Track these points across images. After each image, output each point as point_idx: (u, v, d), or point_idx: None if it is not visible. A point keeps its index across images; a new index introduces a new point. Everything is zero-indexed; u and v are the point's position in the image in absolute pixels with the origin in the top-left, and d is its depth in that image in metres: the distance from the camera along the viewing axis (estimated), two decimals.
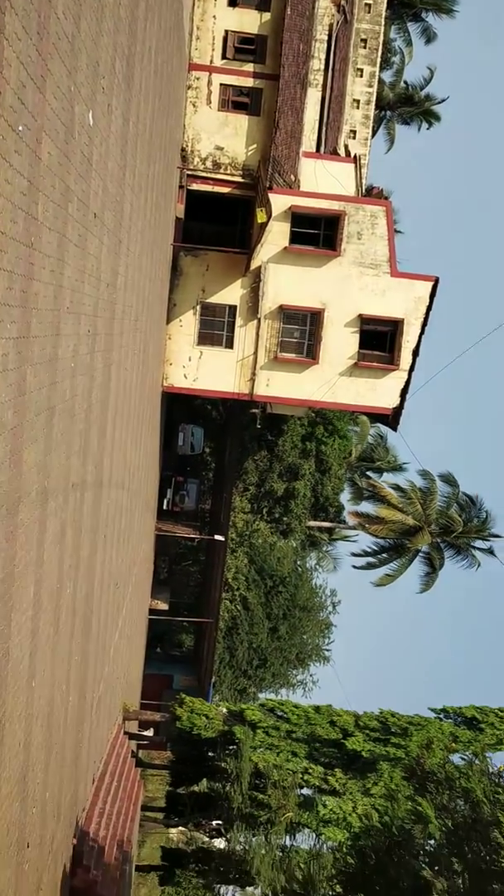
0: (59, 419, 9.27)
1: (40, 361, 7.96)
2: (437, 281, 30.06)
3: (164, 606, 39.81)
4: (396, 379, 30.50)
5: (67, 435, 10.05)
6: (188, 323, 30.20)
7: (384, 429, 43.46)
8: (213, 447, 44.16)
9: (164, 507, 39.18)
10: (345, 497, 44.96)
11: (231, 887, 25.02)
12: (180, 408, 40.66)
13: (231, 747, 24.12)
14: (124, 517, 18.31)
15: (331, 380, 30.30)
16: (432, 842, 11.00)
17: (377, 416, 33.67)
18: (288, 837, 23.35)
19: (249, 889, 20.35)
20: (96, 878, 14.46)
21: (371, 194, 34.58)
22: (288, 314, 30.13)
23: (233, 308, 30.16)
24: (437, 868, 10.11)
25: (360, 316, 30.00)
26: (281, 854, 19.37)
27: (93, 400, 11.98)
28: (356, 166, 32.23)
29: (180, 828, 29.08)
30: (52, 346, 8.47)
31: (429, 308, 30.02)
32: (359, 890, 10.18)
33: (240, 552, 42.03)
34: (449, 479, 41.46)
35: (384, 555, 42.54)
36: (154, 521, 35.18)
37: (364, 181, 33.63)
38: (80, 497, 11.52)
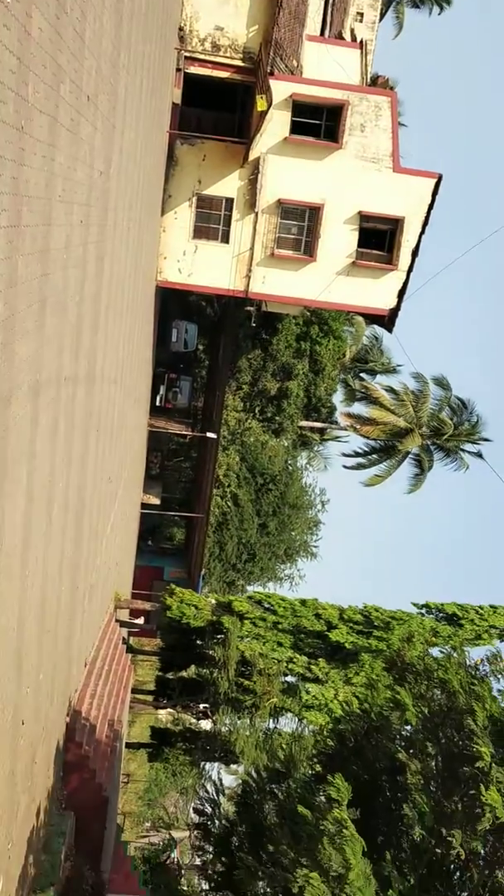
0: (51, 312, 9.16)
1: (32, 252, 7.81)
2: (439, 178, 29.22)
3: (155, 501, 40.38)
4: (394, 279, 30.06)
5: (59, 328, 9.96)
6: (183, 215, 29.46)
7: (379, 330, 43.13)
8: (207, 345, 43.82)
9: (157, 403, 39.22)
10: (337, 398, 45.06)
11: (216, 764, 26.39)
12: (174, 304, 40.13)
13: (219, 636, 24.94)
14: (116, 412, 18.35)
15: (328, 278, 29.85)
16: (409, 727, 11.52)
17: (373, 317, 33.34)
18: (271, 721, 24.47)
19: (233, 766, 21.46)
20: (88, 754, 15.22)
21: (376, 84, 33.20)
22: (286, 209, 29.39)
23: (230, 201, 29.38)
24: (412, 751, 10.64)
25: (360, 213, 29.29)
26: (264, 736, 20.35)
27: (85, 293, 11.81)
28: (362, 52, 30.80)
29: (168, 710, 30.38)
30: (43, 236, 8.30)
31: (430, 206, 29.29)
32: (337, 769, 10.74)
33: (231, 450, 42.34)
34: (442, 383, 41.49)
35: (374, 456, 42.97)
36: (146, 417, 35.29)
37: (369, 69, 32.19)
38: (73, 391, 11.51)
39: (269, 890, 11.44)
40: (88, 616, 16.88)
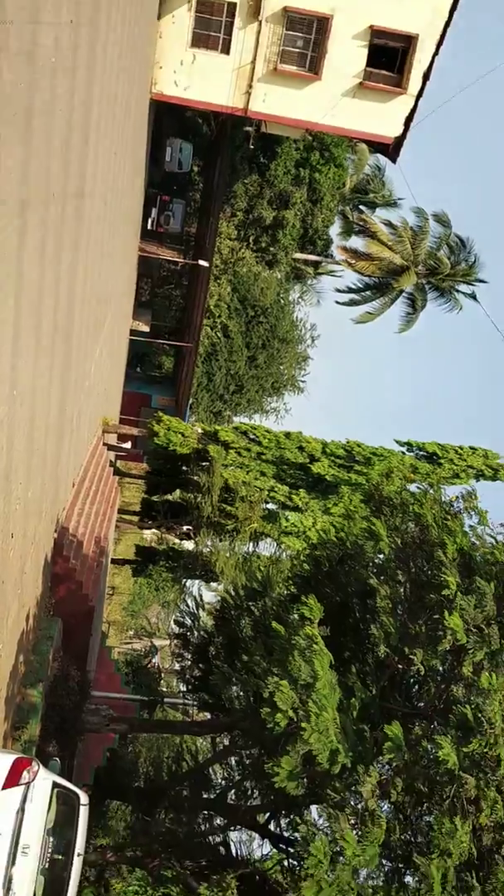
0: (38, 122, 8.70)
1: (17, 52, 7.31)
2: None
3: (145, 328, 40.03)
4: (402, 104, 28.43)
5: (48, 139, 9.49)
6: (182, 20, 27.32)
7: (383, 160, 41.18)
8: (202, 166, 41.88)
9: (149, 227, 38.00)
10: (334, 231, 43.71)
11: (196, 581, 27.77)
12: (169, 120, 37.97)
13: (204, 464, 25.56)
14: (107, 233, 17.83)
15: (332, 100, 28.19)
16: (381, 556, 12.08)
17: (377, 146, 31.80)
18: (251, 544, 25.56)
19: (213, 584, 22.65)
20: (75, 567, 15.96)
21: None
22: (292, 18, 27.26)
23: (232, 6, 27.17)
24: (382, 578, 11.23)
25: (371, 28, 27.25)
26: (243, 558, 21.32)
27: (75, 102, 11.17)
28: None
29: (153, 530, 31.57)
30: (30, 35, 7.73)
31: (447, 24, 27.21)
32: (311, 591, 11.35)
33: (223, 280, 41.53)
34: (442, 220, 40.20)
35: (368, 293, 42.30)
36: (137, 241, 34.32)
37: None
38: (62, 209, 11.13)
39: (241, 694, 12.41)
40: (76, 438, 17.17)
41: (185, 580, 29.18)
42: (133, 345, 38.15)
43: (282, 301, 43.61)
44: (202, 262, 35.29)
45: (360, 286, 42.50)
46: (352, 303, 42.86)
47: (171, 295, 46.04)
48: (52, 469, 13.75)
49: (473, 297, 40.45)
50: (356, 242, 41.76)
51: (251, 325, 42.09)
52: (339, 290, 43.61)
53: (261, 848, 14.60)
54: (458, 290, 40.73)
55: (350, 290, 42.98)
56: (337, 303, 43.39)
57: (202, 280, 36.80)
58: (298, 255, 42.69)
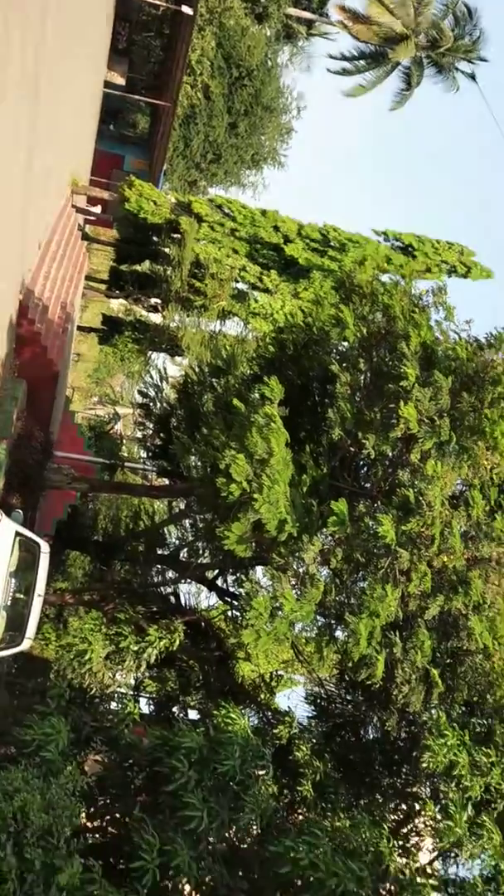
0: None
1: None
2: None
3: (120, 81, 37.16)
4: None
5: None
6: None
7: None
8: None
9: None
10: None
11: (162, 355, 27.96)
12: None
13: (175, 236, 24.88)
14: None
15: None
16: (345, 344, 12.27)
17: None
18: (218, 323, 25.55)
19: (178, 359, 22.88)
20: (40, 331, 15.93)
21: None
22: None
23: None
24: (344, 365, 11.46)
25: None
26: (210, 335, 21.38)
27: None
28: None
29: (121, 300, 31.20)
30: None
31: None
32: (273, 373, 11.59)
33: (208, 32, 38.05)
34: None
35: (362, 62, 39.47)
36: None
37: None
38: None
39: (199, 464, 12.98)
40: (44, 195, 16.51)
41: (150, 353, 29.31)
42: (107, 99, 35.57)
43: (269, 63, 40.38)
44: (185, 9, 32.11)
45: (355, 54, 39.55)
46: (344, 72, 40.04)
47: (150, 45, 42.20)
48: (17, 224, 13.35)
49: (472, 77, 38.09)
50: (355, 2, 38.29)
51: (234, 87, 39.18)
52: (331, 57, 40.52)
53: (208, 600, 16.02)
54: (457, 69, 38.18)
55: (343, 58, 40.02)
56: (328, 70, 40.54)
57: (185, 29, 33.68)
58: (291, 11, 39.08)
